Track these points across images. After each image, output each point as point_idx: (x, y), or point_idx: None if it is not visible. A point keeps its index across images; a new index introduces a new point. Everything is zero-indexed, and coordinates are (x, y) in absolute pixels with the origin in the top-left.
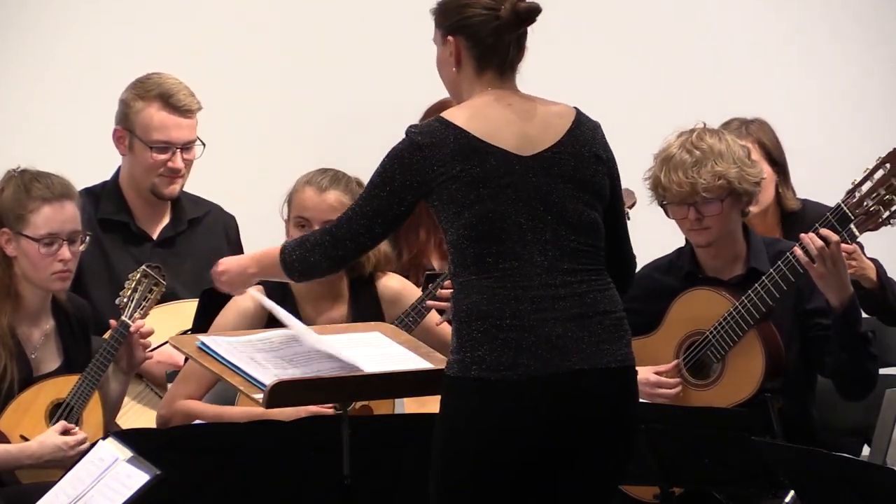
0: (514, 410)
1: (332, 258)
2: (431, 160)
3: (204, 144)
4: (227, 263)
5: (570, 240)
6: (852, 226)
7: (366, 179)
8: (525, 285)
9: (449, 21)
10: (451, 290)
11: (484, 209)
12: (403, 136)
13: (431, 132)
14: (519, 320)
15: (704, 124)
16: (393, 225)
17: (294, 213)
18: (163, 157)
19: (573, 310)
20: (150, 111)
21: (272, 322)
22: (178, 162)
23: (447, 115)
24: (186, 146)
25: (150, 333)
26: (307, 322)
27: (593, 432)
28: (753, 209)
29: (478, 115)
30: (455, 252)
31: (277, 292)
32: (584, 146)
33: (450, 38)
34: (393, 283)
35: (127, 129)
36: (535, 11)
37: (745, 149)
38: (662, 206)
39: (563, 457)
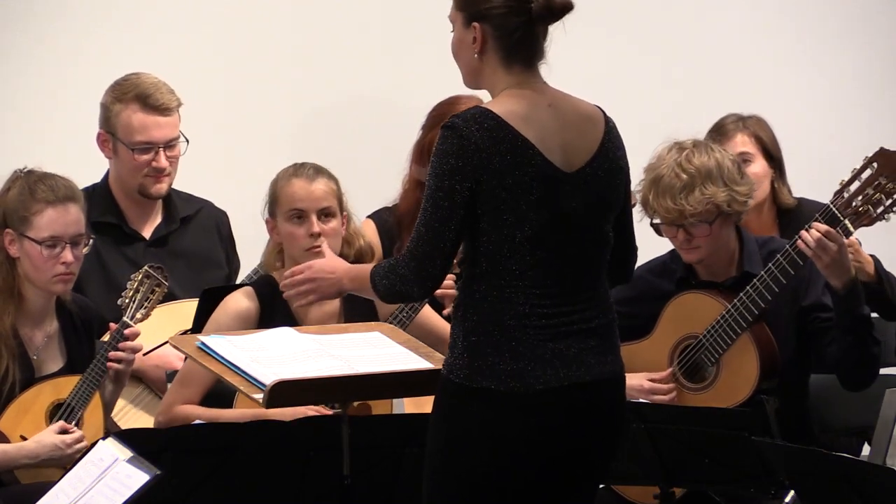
0: (521, 421)
1: (423, 280)
2: (487, 161)
3: (188, 140)
4: (318, 273)
5: (586, 259)
6: (847, 222)
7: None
8: (542, 303)
9: (475, 7)
10: (449, 280)
11: (522, 227)
12: (447, 128)
13: (487, 130)
14: (529, 334)
15: (694, 141)
16: (465, 224)
17: (286, 208)
18: (146, 157)
19: (581, 324)
20: (129, 113)
21: (264, 322)
22: (162, 161)
23: (497, 110)
24: (169, 144)
25: (135, 335)
26: (299, 321)
27: (592, 439)
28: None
29: (530, 119)
30: (477, 260)
31: (266, 291)
32: (613, 160)
33: (475, 24)
34: None
35: (109, 133)
36: (568, 7)
37: (737, 163)
38: (652, 225)
39: (564, 462)
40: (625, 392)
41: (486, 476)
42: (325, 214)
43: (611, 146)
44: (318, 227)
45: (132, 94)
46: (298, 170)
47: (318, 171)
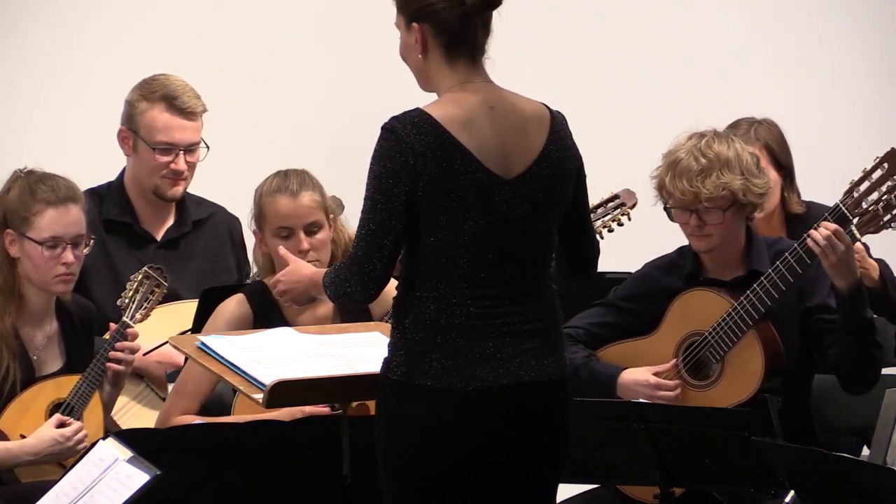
0: (460, 421)
1: (363, 282)
2: (423, 168)
3: (208, 147)
4: (287, 284)
5: (528, 261)
6: (854, 228)
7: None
8: (478, 304)
9: (412, 7)
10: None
11: (455, 231)
12: (385, 129)
13: (421, 133)
14: (467, 333)
15: (715, 130)
16: (405, 226)
17: (273, 226)
18: (166, 158)
19: (522, 325)
20: (154, 112)
21: (258, 328)
22: (181, 164)
23: (436, 114)
24: (190, 148)
25: (135, 336)
26: (292, 325)
27: (535, 441)
28: (758, 215)
29: (470, 124)
30: (414, 263)
31: (258, 297)
32: (557, 163)
33: (414, 24)
34: None
35: (131, 130)
36: None
37: (755, 157)
38: (666, 209)
39: (503, 465)
40: (568, 392)
41: (425, 479)
42: (312, 228)
43: (555, 148)
44: (306, 243)
45: (160, 93)
46: (282, 184)
47: (302, 183)
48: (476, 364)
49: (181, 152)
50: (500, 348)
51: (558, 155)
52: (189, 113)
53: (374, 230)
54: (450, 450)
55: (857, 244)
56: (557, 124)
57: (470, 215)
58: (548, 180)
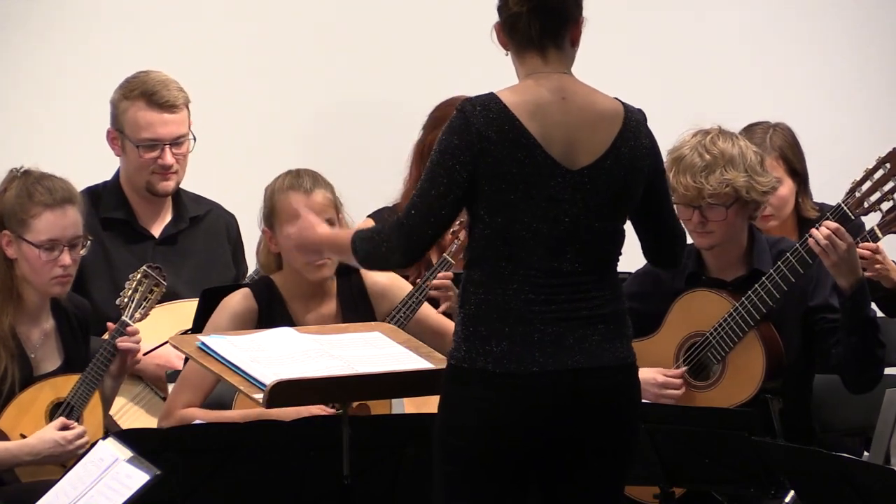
0: (517, 405)
1: (408, 248)
2: (487, 149)
3: (195, 138)
4: (301, 232)
5: (588, 251)
6: (875, 227)
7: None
8: (538, 290)
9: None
10: (446, 279)
11: (515, 215)
12: (458, 109)
13: (488, 115)
14: (527, 318)
15: (720, 127)
16: (459, 204)
17: (285, 221)
18: (152, 154)
19: (581, 312)
20: (135, 110)
21: (262, 324)
22: (168, 158)
23: (506, 99)
24: (176, 141)
25: (135, 334)
26: (297, 323)
27: (595, 430)
28: (774, 223)
29: (538, 112)
30: (475, 245)
31: (264, 292)
32: (627, 159)
33: (496, 23)
34: (380, 278)
35: (118, 130)
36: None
37: (759, 155)
38: None
39: (566, 453)
40: (632, 381)
41: (478, 465)
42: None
43: (625, 146)
44: None
45: (138, 91)
46: (295, 181)
47: (315, 181)
48: (535, 349)
49: (167, 146)
50: (560, 334)
51: (629, 152)
52: (170, 106)
53: (430, 200)
54: (506, 436)
55: (879, 244)
56: (632, 122)
57: (531, 201)
58: (614, 176)
